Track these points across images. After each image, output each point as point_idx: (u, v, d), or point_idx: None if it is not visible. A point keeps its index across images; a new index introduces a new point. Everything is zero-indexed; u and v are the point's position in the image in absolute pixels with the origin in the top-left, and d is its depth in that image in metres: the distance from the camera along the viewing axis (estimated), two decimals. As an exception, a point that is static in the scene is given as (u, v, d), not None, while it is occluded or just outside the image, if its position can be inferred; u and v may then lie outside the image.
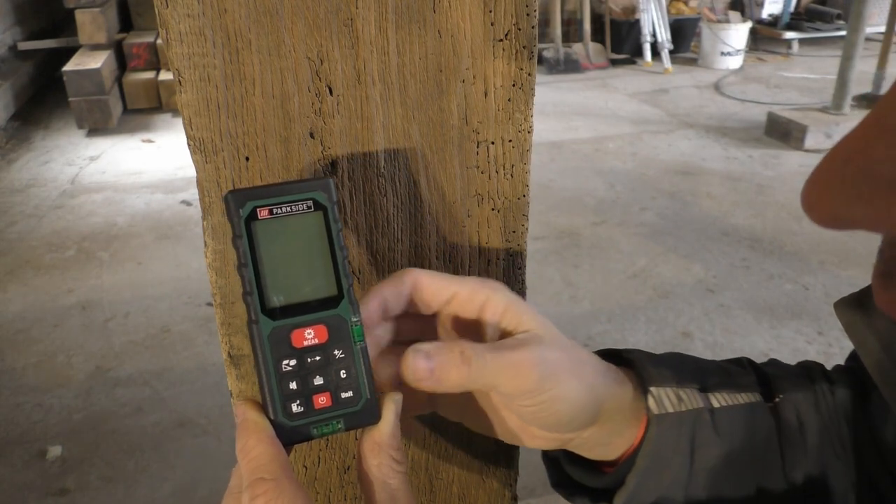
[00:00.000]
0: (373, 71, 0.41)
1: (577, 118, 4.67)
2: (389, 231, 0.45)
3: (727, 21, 5.90)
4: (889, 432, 0.45)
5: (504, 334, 0.41)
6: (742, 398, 0.47)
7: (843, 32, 4.94)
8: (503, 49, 0.43)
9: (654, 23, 5.81)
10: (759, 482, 0.46)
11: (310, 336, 0.37)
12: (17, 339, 2.45)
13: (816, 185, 0.20)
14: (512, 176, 0.46)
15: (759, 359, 0.51)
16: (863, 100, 4.24)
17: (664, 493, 0.44)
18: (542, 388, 0.38)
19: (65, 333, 2.47)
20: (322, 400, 0.36)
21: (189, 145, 0.41)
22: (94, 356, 2.35)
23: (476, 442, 0.51)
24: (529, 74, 0.44)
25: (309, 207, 0.37)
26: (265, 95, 0.41)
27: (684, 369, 0.47)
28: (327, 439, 0.49)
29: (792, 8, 6.35)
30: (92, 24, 4.40)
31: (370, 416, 0.37)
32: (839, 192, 0.20)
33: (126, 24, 4.99)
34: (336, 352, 0.37)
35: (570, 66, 5.74)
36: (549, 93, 5.20)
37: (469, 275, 0.48)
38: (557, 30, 5.82)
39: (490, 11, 0.42)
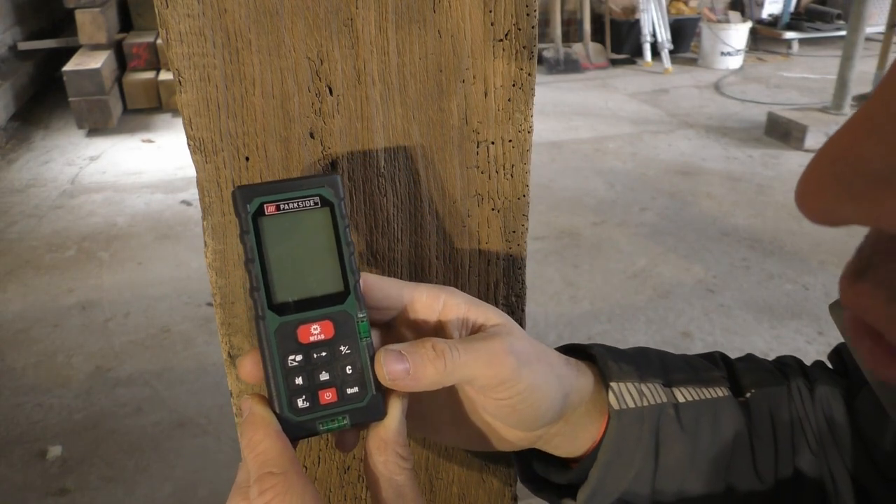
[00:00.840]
0: (373, 71, 0.41)
1: (577, 118, 4.67)
2: (389, 231, 0.45)
3: (727, 21, 5.90)
4: (887, 439, 0.44)
5: (473, 330, 0.41)
6: (708, 393, 0.46)
7: (843, 32, 4.94)
8: (503, 49, 0.43)
9: (654, 23, 5.80)
10: (727, 478, 0.46)
11: (316, 332, 0.37)
12: (17, 339, 2.45)
13: (809, 183, 0.20)
14: (512, 176, 0.46)
15: (760, 359, 0.51)
16: (863, 100, 4.19)
17: (629, 487, 0.44)
18: (518, 376, 0.38)
19: (65, 333, 2.47)
20: (328, 395, 0.37)
21: (189, 145, 0.41)
22: (94, 356, 2.35)
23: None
24: (529, 74, 0.44)
25: (316, 204, 0.37)
26: (265, 95, 0.41)
27: (648, 364, 0.47)
28: (328, 438, 0.49)
29: (792, 8, 6.35)
30: (92, 24, 4.39)
31: (375, 412, 0.37)
32: (831, 189, 0.20)
33: (126, 24, 4.99)
34: (342, 347, 0.37)
35: (570, 66, 5.74)
36: (549, 93, 5.20)
37: (469, 275, 0.48)
38: (557, 30, 5.82)
39: (490, 11, 0.42)
